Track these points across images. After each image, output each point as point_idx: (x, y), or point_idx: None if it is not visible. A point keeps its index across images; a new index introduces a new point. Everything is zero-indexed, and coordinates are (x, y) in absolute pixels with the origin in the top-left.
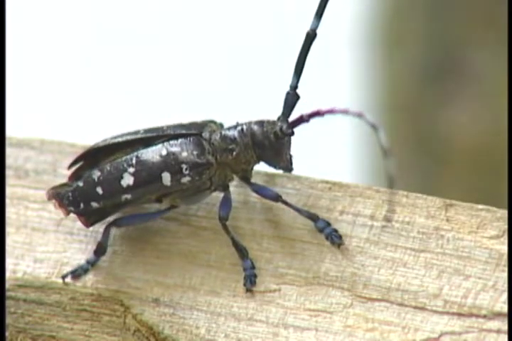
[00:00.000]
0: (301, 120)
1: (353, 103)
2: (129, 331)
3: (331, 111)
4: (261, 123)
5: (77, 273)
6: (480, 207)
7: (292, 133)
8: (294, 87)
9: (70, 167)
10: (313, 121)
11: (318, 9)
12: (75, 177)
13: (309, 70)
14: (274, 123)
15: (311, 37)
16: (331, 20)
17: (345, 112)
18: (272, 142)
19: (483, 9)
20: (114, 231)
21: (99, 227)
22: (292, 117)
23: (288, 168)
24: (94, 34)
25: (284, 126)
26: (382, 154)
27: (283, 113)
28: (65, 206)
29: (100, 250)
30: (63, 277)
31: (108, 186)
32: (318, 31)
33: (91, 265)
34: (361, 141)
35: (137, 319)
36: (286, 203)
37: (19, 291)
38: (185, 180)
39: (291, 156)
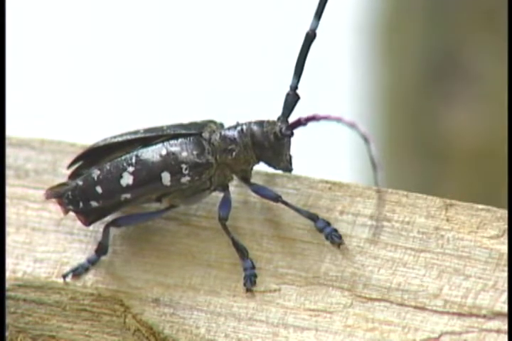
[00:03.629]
0: (299, 123)
1: (353, 103)
2: (129, 331)
3: (326, 118)
4: (261, 123)
5: (77, 272)
6: (480, 207)
7: (292, 135)
8: (294, 87)
9: (69, 166)
10: (310, 124)
11: (317, 9)
12: (74, 176)
13: (309, 71)
14: (274, 123)
15: (310, 37)
16: (331, 21)
17: (338, 120)
18: (271, 143)
19: (483, 9)
20: (113, 230)
21: (99, 227)
22: (292, 118)
23: (287, 168)
24: (95, 34)
25: (284, 127)
26: (372, 166)
27: (283, 113)
28: (65, 205)
29: (101, 249)
30: (64, 276)
31: (107, 185)
32: (318, 31)
33: (91, 264)
34: (361, 141)
35: (137, 319)
36: (285, 203)
37: (19, 291)
38: (185, 179)
39: (290, 157)
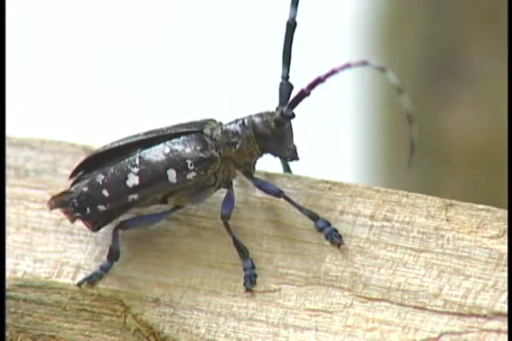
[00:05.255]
0: (302, 95)
1: (353, 103)
2: (129, 331)
3: (332, 73)
4: (261, 114)
5: (92, 280)
6: (480, 207)
7: (293, 115)
8: (286, 76)
9: (71, 176)
10: (312, 100)
11: None
12: (76, 183)
13: (309, 71)
14: (273, 113)
15: (291, 26)
16: (330, 20)
17: (348, 66)
18: (273, 130)
19: (483, 9)
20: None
21: None
22: (295, 109)
23: (293, 156)
24: (94, 34)
25: (285, 109)
26: (397, 91)
27: (280, 103)
28: (71, 213)
29: (113, 255)
30: (79, 284)
31: (114, 188)
32: (317, 31)
33: (105, 271)
34: (361, 141)
35: (137, 319)
36: (288, 199)
37: (19, 291)
38: (191, 175)
39: (295, 146)
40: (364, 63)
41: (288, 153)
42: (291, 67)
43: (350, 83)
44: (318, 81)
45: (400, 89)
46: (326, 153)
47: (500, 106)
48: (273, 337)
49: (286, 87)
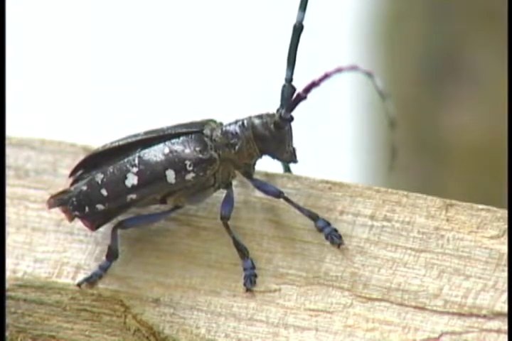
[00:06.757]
0: (299, 98)
1: (353, 104)
2: (129, 331)
3: (325, 77)
4: (260, 116)
5: (91, 280)
6: (480, 207)
7: (291, 118)
8: (289, 79)
9: (71, 175)
10: (310, 99)
11: (301, 2)
12: (75, 182)
13: (309, 73)
14: (273, 115)
15: (298, 29)
16: (330, 21)
17: (339, 71)
18: (272, 132)
19: (483, 9)
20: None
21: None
22: (292, 114)
23: (292, 159)
24: (94, 34)
25: (283, 112)
26: (380, 97)
27: (281, 105)
28: (69, 211)
29: (112, 254)
30: (79, 284)
31: (112, 187)
32: (317, 31)
33: (104, 270)
34: (361, 141)
35: (137, 319)
36: (288, 200)
37: (19, 291)
38: (190, 176)
39: (294, 149)
40: (354, 68)
41: (287, 156)
42: (295, 69)
43: (350, 83)
44: (313, 85)
45: (385, 95)
46: (326, 153)
47: (500, 106)
48: (273, 337)
49: (288, 89)
